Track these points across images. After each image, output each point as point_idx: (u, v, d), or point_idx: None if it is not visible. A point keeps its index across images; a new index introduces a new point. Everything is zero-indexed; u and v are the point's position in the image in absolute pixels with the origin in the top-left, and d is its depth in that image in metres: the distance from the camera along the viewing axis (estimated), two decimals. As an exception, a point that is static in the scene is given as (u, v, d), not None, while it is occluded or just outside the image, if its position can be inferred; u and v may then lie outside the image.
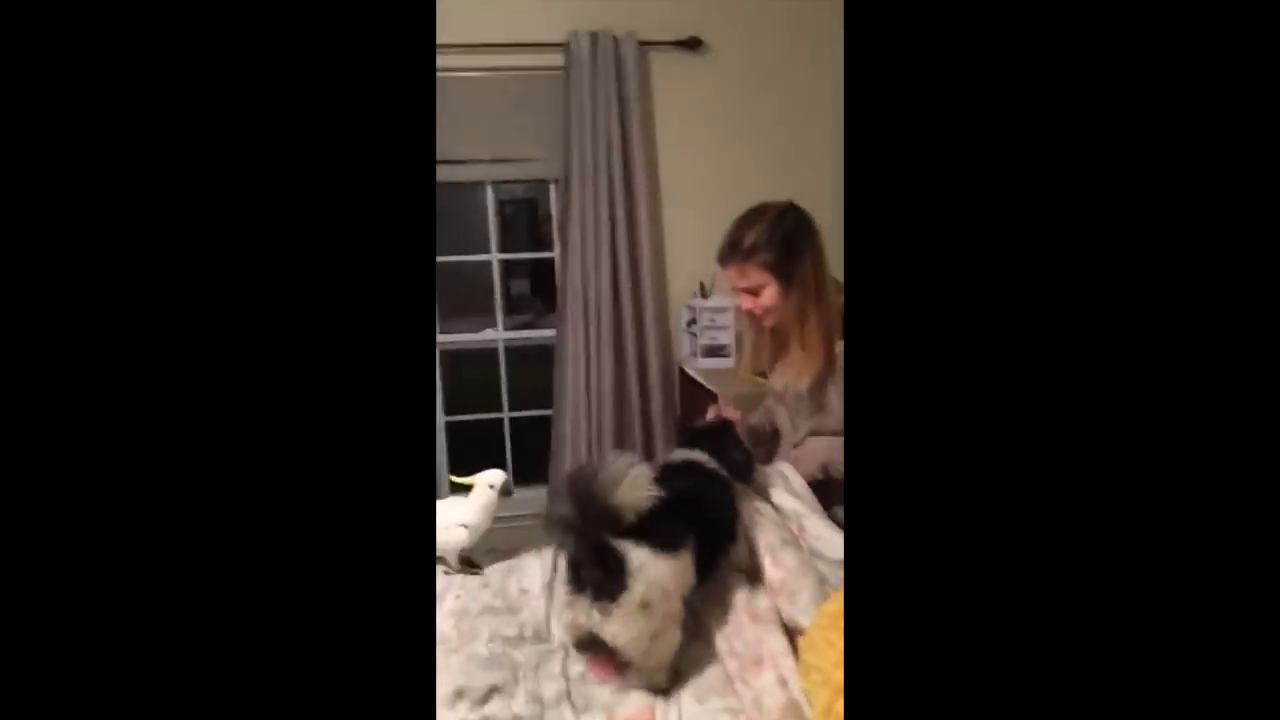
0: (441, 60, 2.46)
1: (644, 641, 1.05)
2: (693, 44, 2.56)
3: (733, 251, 1.43)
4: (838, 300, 1.45)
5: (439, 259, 2.68)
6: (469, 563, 1.64)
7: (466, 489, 1.61)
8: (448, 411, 2.76)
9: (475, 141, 2.55)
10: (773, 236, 1.40)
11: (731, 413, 1.55)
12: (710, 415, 1.55)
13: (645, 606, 1.04)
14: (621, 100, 2.48)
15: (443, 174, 2.59)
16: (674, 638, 1.09)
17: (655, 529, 1.06)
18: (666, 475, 1.21)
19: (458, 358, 2.95)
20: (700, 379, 2.42)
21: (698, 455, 1.32)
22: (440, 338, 2.73)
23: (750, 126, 2.66)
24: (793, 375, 1.49)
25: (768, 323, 1.48)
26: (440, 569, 1.58)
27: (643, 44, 2.50)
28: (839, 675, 0.87)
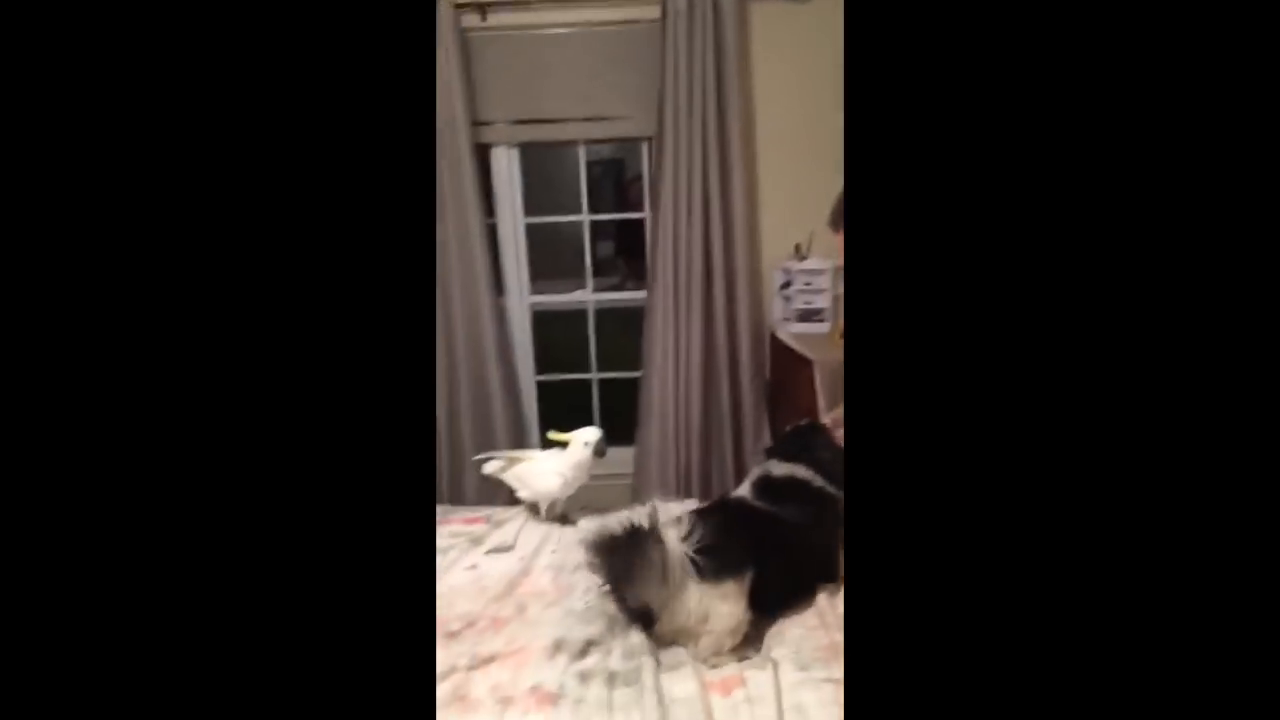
0: (534, 16, 2.44)
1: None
2: (796, -8, 2.43)
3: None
4: None
5: (530, 220, 2.70)
6: (562, 517, 1.67)
7: (562, 445, 1.64)
8: (538, 371, 2.80)
9: (568, 99, 2.52)
10: None
11: (833, 418, 1.51)
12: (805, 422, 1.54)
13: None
14: (719, 54, 2.38)
15: (535, 133, 2.59)
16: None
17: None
18: (764, 493, 1.24)
19: (548, 318, 2.98)
20: (793, 345, 2.35)
21: (798, 470, 1.31)
22: (531, 298, 2.76)
23: (854, 79, 2.51)
24: None
25: None
26: (534, 518, 1.62)
27: (743, -7, 2.40)
28: None
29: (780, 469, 1.33)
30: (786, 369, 2.45)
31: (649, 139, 2.54)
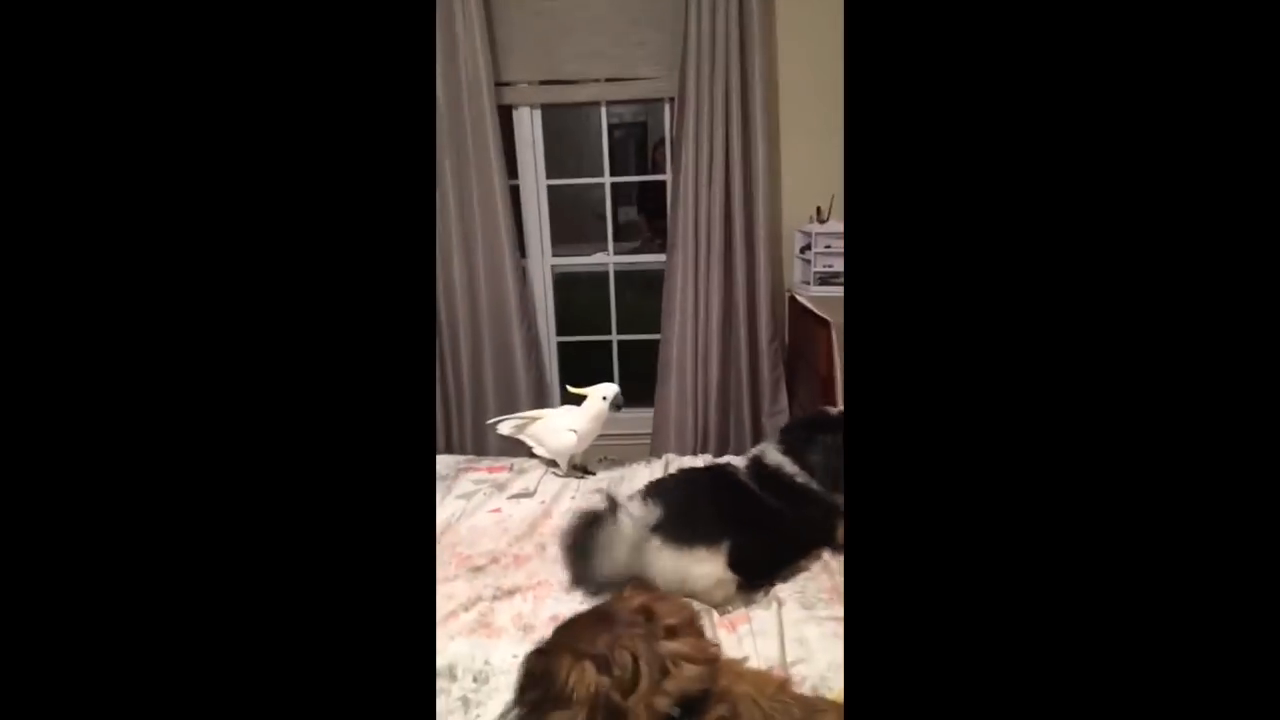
0: (559, -24, 2.44)
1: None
2: (821, -50, 2.40)
3: None
4: None
5: (552, 182, 2.73)
6: (582, 468, 1.74)
7: (580, 399, 1.69)
8: (559, 332, 2.85)
9: (590, 60, 2.53)
10: None
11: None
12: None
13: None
14: (743, 14, 2.36)
15: (558, 95, 2.60)
16: None
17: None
18: (754, 473, 1.32)
19: (570, 280, 3.03)
20: (812, 306, 2.37)
21: (787, 464, 1.36)
22: (552, 260, 2.80)
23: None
24: None
25: None
26: (553, 471, 1.68)
27: (767, -49, 2.37)
28: None
29: (774, 457, 1.38)
30: (805, 331, 2.47)
31: (670, 100, 2.55)
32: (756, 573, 1.23)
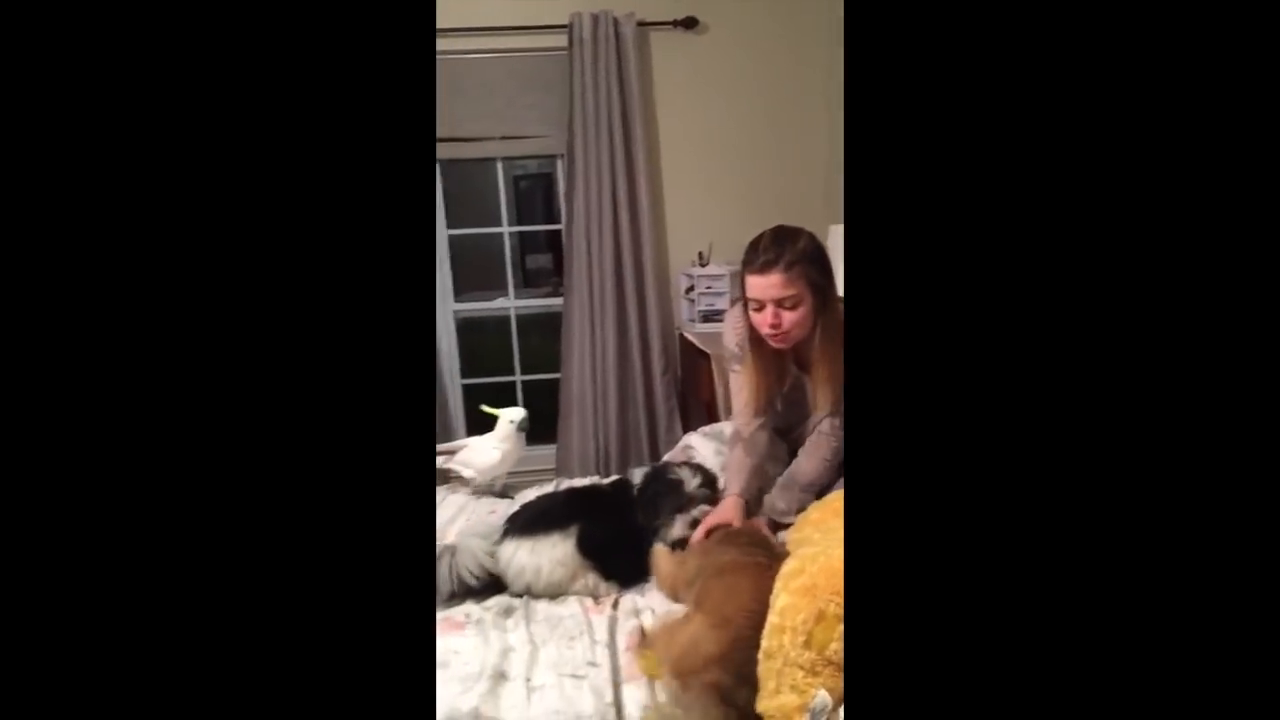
0: (450, 43, 2.63)
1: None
2: (690, 23, 2.69)
3: (777, 259, 1.29)
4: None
5: (454, 232, 2.87)
6: (502, 493, 1.89)
7: (493, 420, 1.86)
8: (464, 374, 2.97)
9: (485, 120, 2.72)
10: (814, 253, 1.32)
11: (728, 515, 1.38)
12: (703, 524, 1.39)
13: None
14: (621, 78, 2.62)
15: (454, 151, 2.77)
16: None
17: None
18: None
19: (474, 325, 3.16)
20: (697, 342, 2.59)
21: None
22: (455, 305, 2.93)
23: (745, 104, 2.79)
24: (819, 407, 1.41)
25: (789, 341, 1.36)
26: (481, 493, 1.83)
27: (641, 24, 2.64)
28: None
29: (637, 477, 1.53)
30: (693, 363, 2.69)
31: (561, 156, 2.76)
32: (606, 558, 1.36)
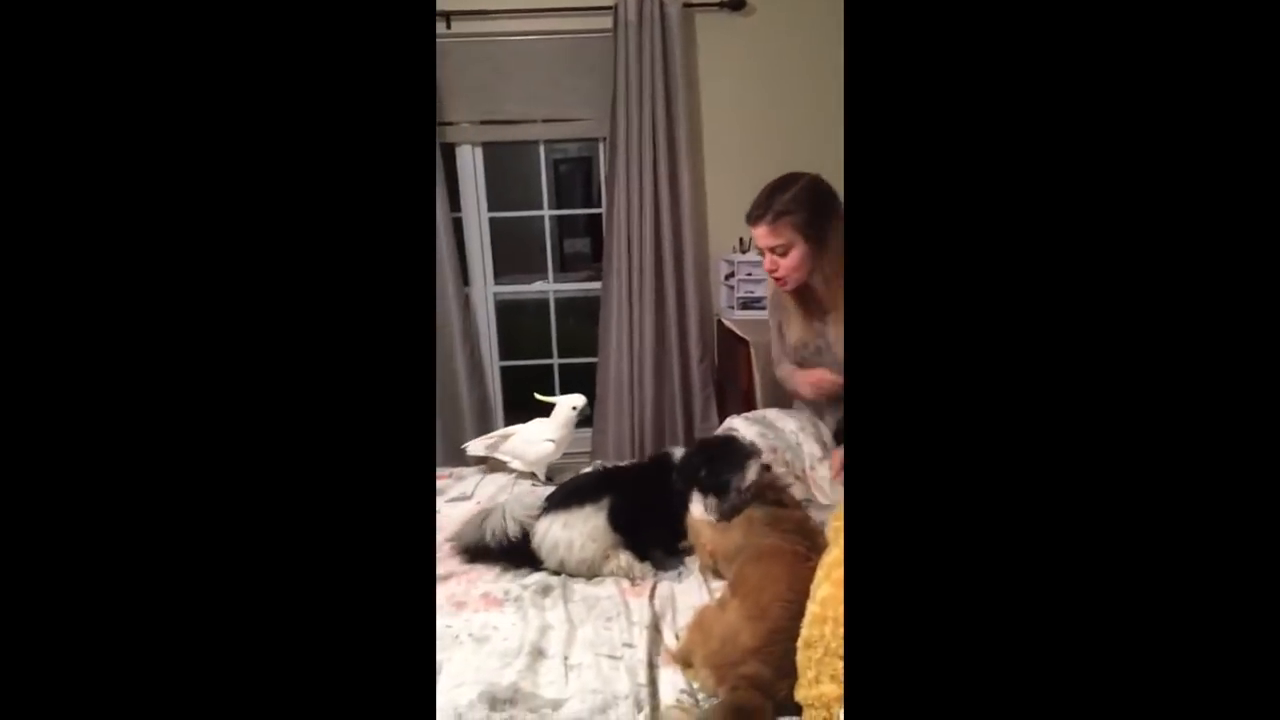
0: (494, 24, 2.63)
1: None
2: (737, 5, 2.65)
3: (765, 212, 1.48)
4: None
5: (494, 215, 2.89)
6: (550, 479, 1.85)
7: (548, 408, 1.81)
8: (503, 357, 2.99)
9: (528, 102, 2.72)
10: (804, 200, 1.47)
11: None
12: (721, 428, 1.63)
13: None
14: (666, 61, 2.59)
15: (496, 134, 2.78)
16: None
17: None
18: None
19: (513, 307, 3.18)
20: (736, 329, 2.57)
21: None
22: (495, 288, 2.95)
23: (792, 88, 2.74)
24: (811, 334, 1.58)
25: (790, 284, 1.53)
26: (530, 482, 1.80)
27: (687, 5, 2.61)
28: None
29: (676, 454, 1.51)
30: (730, 350, 2.67)
31: (603, 139, 2.75)
32: (637, 531, 1.35)
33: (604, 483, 1.43)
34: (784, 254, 1.48)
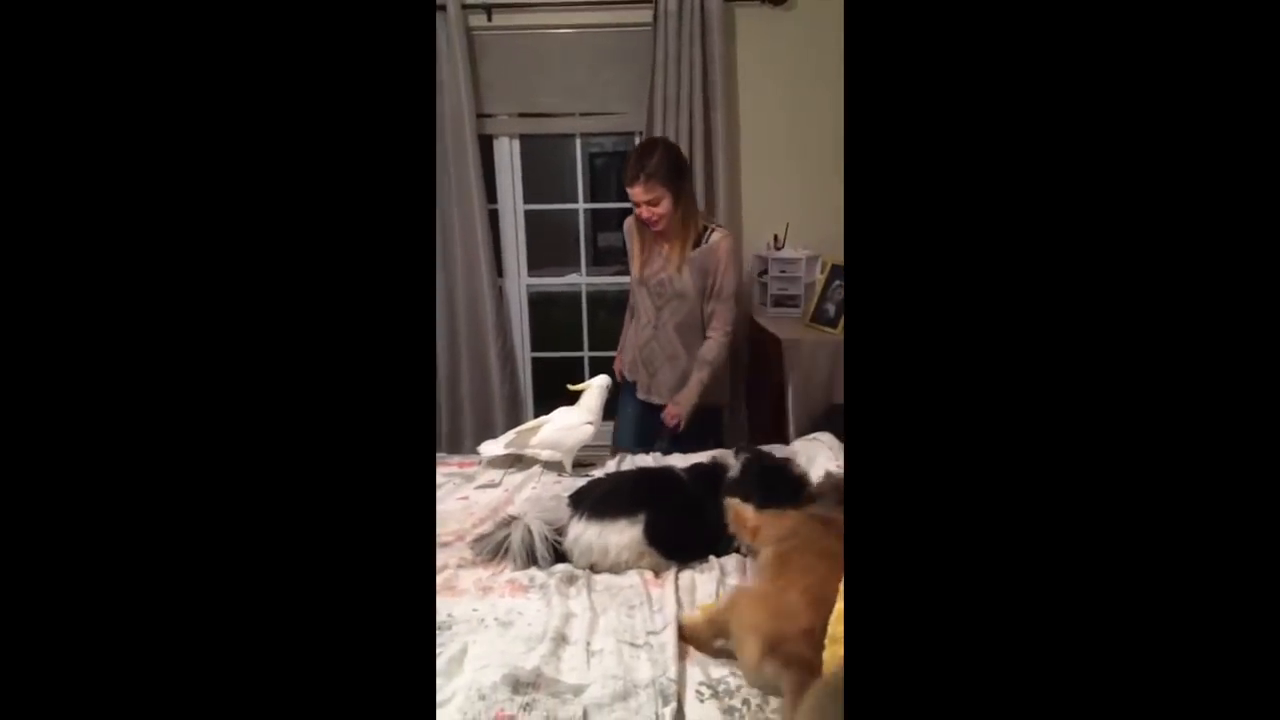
0: (533, 18, 2.65)
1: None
2: (777, 0, 2.63)
3: (639, 173, 1.89)
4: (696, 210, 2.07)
5: (530, 207, 2.91)
6: (582, 464, 1.86)
7: (578, 394, 1.84)
8: (534, 348, 3.02)
9: (565, 95, 2.73)
10: (669, 160, 1.91)
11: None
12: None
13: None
14: (705, 55, 2.59)
15: (535, 126, 2.80)
16: None
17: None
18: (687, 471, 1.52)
19: (545, 300, 3.20)
20: (768, 326, 2.56)
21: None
22: (528, 280, 2.98)
23: (829, 82, 2.71)
24: (672, 268, 2.02)
25: (660, 227, 1.97)
26: (555, 474, 1.80)
27: (727, 0, 2.60)
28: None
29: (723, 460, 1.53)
30: (762, 348, 2.66)
31: (639, 134, 2.75)
32: (672, 547, 1.35)
33: (640, 491, 1.42)
34: (655, 203, 1.92)
